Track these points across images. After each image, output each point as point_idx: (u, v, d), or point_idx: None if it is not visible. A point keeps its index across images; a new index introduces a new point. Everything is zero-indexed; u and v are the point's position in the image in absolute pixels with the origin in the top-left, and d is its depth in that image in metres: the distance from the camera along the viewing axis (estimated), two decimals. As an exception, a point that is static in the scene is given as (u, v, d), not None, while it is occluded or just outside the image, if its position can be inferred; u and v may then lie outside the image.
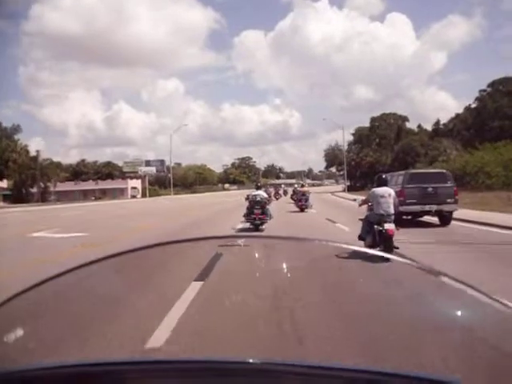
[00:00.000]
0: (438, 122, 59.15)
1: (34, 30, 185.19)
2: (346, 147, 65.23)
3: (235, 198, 32.52)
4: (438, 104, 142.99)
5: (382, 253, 1.05)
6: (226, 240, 1.06)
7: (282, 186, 53.51)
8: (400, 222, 10.27)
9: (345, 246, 0.94)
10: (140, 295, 1.23)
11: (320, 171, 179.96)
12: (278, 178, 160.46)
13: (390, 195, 7.47)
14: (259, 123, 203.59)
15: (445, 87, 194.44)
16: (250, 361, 0.83)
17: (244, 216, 12.72)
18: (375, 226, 7.31)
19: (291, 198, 27.93)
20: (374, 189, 7.70)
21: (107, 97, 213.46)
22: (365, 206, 8.48)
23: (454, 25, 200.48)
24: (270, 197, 16.74)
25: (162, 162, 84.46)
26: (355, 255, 1.01)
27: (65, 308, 1.06)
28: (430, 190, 12.92)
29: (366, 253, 1.05)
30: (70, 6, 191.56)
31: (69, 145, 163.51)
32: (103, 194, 71.66)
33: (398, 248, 7.21)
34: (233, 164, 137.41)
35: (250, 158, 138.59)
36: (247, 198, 13.08)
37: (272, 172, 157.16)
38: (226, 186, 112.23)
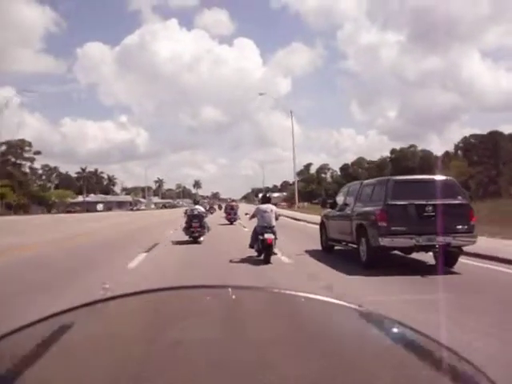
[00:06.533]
0: None
1: None
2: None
3: None
4: (283, 128, 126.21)
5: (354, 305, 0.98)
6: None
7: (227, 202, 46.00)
8: (374, 260, 7.84)
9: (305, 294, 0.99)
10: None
11: (169, 189, 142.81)
12: (108, 193, 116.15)
13: (271, 210, 9.40)
14: (104, 140, 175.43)
15: (288, 112, 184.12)
16: None
17: (183, 229, 13.60)
18: (259, 236, 9.11)
19: (224, 212, 28.09)
20: (259, 205, 9.85)
21: None
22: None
23: (297, 53, 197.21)
24: (206, 211, 18.35)
25: None
26: (320, 304, 1.04)
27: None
28: (429, 209, 7.38)
29: (329, 302, 1.04)
30: None
31: None
32: None
33: (276, 254, 9.14)
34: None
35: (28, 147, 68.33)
36: (185, 213, 14.25)
37: (99, 184, 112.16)
38: None
